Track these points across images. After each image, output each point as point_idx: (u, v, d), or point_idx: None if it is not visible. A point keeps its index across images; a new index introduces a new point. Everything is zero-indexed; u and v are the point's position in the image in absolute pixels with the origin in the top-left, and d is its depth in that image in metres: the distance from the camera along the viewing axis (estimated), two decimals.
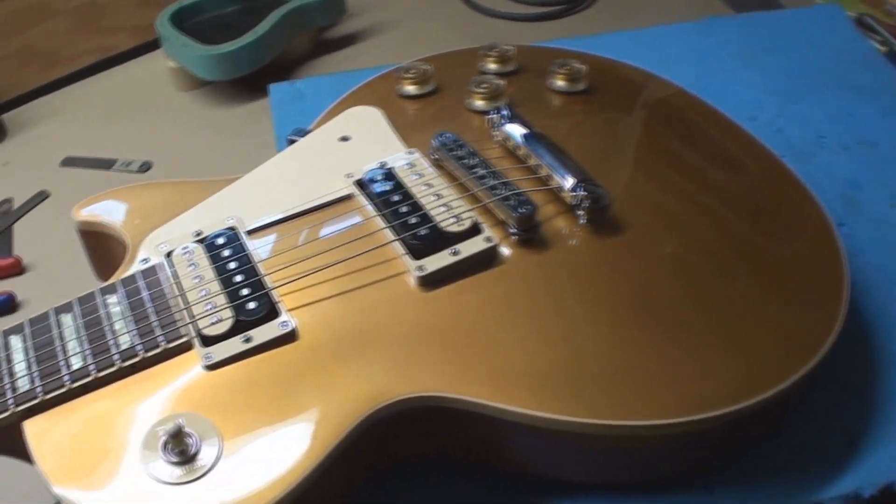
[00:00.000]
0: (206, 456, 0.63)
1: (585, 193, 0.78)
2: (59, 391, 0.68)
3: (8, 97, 1.49)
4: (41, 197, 1.25)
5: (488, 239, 0.75)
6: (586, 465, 0.73)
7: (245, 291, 0.72)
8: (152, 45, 1.55)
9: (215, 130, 1.34)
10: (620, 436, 0.67)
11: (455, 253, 0.74)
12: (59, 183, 1.31)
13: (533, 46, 1.02)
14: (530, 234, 0.77)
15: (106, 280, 0.87)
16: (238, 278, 0.73)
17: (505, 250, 0.77)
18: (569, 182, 0.79)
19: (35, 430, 0.66)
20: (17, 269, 1.14)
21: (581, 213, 0.79)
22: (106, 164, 1.30)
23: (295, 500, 0.61)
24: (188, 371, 0.69)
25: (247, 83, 1.42)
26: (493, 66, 0.98)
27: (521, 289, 0.74)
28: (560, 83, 0.95)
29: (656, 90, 0.97)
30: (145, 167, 1.27)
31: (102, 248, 0.87)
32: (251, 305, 0.71)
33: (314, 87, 1.20)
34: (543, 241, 0.78)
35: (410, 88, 0.96)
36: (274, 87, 1.22)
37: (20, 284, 1.13)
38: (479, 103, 0.92)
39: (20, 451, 0.69)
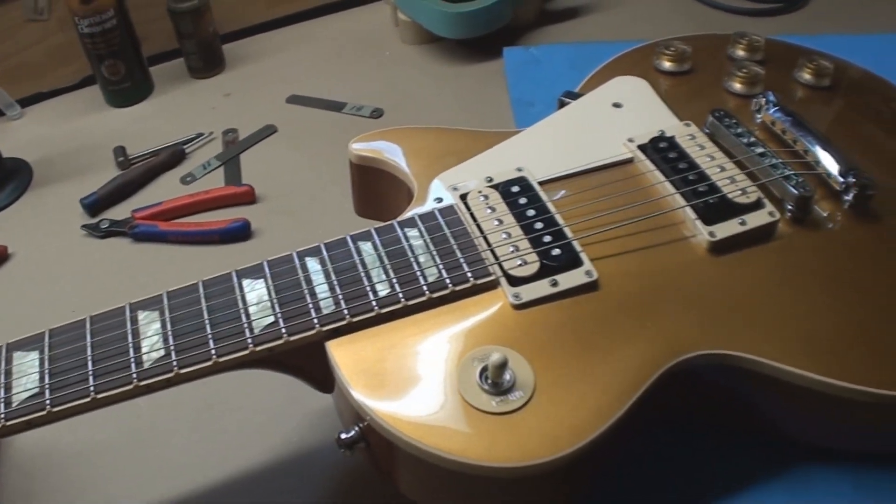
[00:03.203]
0: (520, 391, 0.67)
1: (855, 180, 0.80)
2: (366, 315, 0.71)
3: (229, 29, 1.53)
4: (269, 131, 1.29)
5: (772, 213, 0.79)
6: (842, 432, 0.78)
7: (547, 238, 0.76)
8: None
9: (444, 87, 1.37)
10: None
11: (743, 223, 0.78)
12: (286, 119, 1.35)
13: (778, 40, 1.05)
14: (805, 214, 0.80)
15: (365, 213, 0.92)
16: (538, 225, 0.77)
17: (781, 226, 0.80)
18: (839, 168, 0.82)
19: (341, 350, 0.70)
20: (250, 198, 1.17)
21: (848, 198, 0.82)
22: (335, 107, 1.34)
23: (597, 447, 0.65)
24: (495, 308, 0.72)
25: (475, 45, 1.45)
26: (742, 54, 1.01)
27: (801, 263, 0.78)
28: (808, 77, 0.98)
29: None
30: (377, 114, 1.30)
31: (372, 183, 0.91)
32: (555, 252, 0.74)
33: (548, 54, 1.23)
34: (813, 221, 0.81)
35: (668, 65, 0.99)
36: (508, 51, 1.26)
37: (252, 213, 1.17)
38: (738, 86, 0.96)
39: (311, 371, 0.74)
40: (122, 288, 1.08)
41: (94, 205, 1.21)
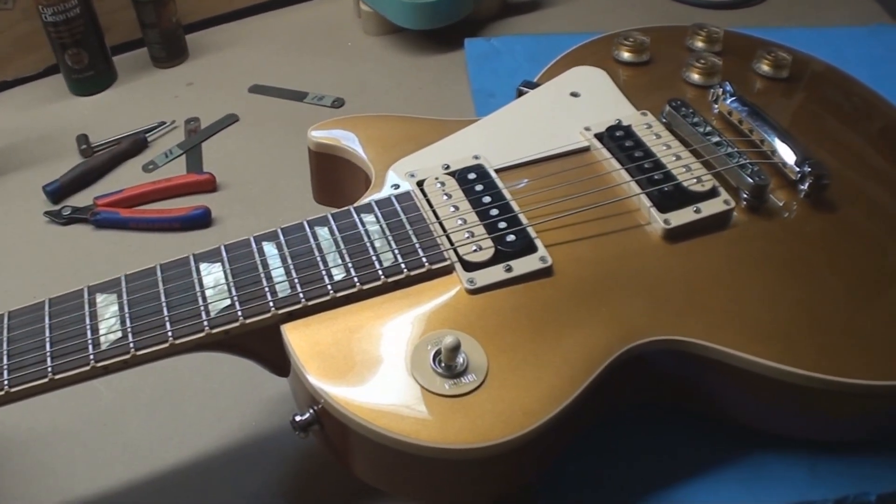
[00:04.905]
0: (473, 374, 0.67)
1: (811, 170, 0.81)
2: (322, 299, 0.72)
3: (191, 20, 1.54)
4: (231, 119, 1.29)
5: (727, 202, 0.79)
6: (797, 420, 0.78)
7: (502, 224, 0.76)
8: None
9: (406, 77, 1.38)
10: (859, 394, 0.71)
11: (697, 211, 0.79)
12: (248, 108, 1.36)
13: (737, 32, 1.06)
14: (760, 203, 0.82)
15: (324, 201, 0.92)
16: (494, 212, 0.77)
17: (736, 214, 0.81)
18: (795, 158, 0.83)
19: (296, 333, 0.70)
20: (211, 186, 1.18)
21: (803, 187, 0.83)
22: (297, 96, 1.35)
23: (549, 430, 0.65)
24: (450, 293, 0.73)
25: (437, 35, 1.47)
26: (700, 45, 1.02)
27: (756, 251, 0.78)
28: (766, 68, 0.99)
29: (853, 88, 1.02)
30: (338, 103, 1.31)
31: (331, 170, 0.92)
32: (510, 238, 0.75)
33: (509, 46, 1.24)
34: (768, 210, 0.82)
35: (627, 55, 1.00)
36: (470, 42, 1.26)
37: (213, 200, 1.18)
38: (697, 77, 0.96)
39: (267, 355, 0.75)
40: (83, 274, 1.08)
41: (57, 192, 1.21)
